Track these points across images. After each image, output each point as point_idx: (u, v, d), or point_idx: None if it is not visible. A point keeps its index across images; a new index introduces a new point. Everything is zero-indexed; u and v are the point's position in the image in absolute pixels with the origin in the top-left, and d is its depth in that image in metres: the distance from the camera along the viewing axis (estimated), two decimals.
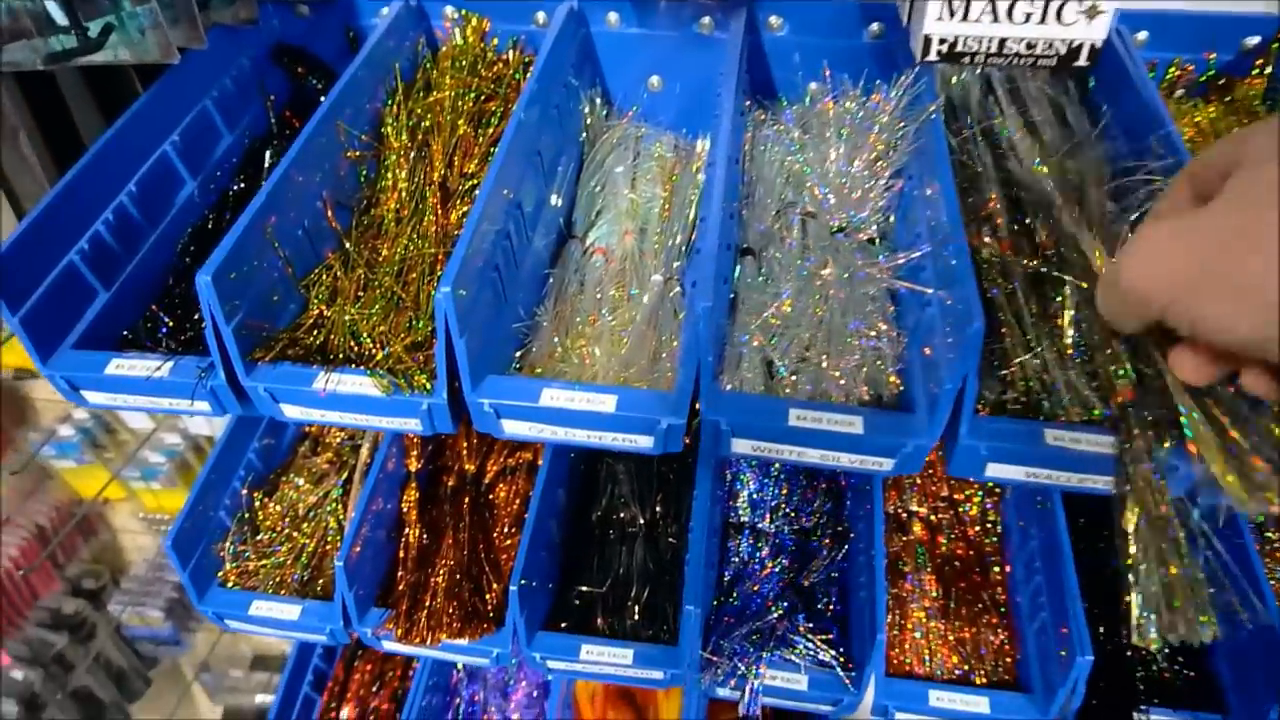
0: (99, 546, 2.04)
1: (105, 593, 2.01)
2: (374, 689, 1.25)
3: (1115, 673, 0.87)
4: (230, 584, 0.98)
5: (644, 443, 0.68)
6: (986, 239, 0.74)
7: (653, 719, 1.33)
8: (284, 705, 1.22)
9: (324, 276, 0.78)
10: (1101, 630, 0.88)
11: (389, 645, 0.94)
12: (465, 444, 1.04)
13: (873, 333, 0.72)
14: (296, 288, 0.77)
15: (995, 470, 0.64)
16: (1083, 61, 0.62)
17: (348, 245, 0.80)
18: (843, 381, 0.69)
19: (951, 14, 0.60)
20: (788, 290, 0.74)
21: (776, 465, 1.04)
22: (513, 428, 0.69)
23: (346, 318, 0.74)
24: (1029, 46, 0.61)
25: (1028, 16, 0.60)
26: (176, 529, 0.92)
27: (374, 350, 0.72)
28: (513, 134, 0.75)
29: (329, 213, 0.81)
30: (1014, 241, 0.73)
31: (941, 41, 0.62)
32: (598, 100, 0.99)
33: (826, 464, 0.67)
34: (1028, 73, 0.79)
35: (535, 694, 1.25)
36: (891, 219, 0.82)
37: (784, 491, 1.03)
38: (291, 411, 0.72)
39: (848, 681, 0.88)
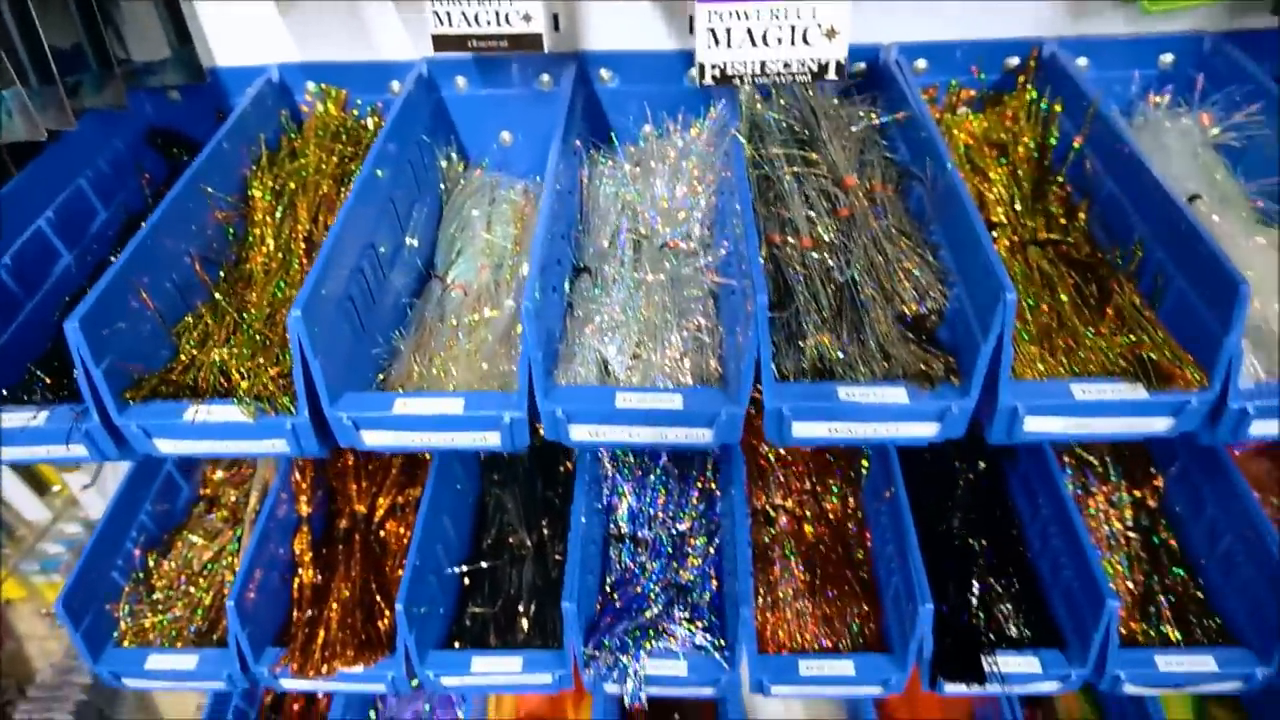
0: (4, 657, 1.97)
1: (11, 707, 1.93)
2: None
3: (966, 626, 0.95)
4: (126, 643, 1.00)
5: (493, 440, 0.75)
6: (791, 239, 0.84)
7: None
8: None
9: (195, 324, 0.84)
10: (950, 587, 0.97)
11: (287, 684, 0.97)
12: (355, 486, 1.09)
13: (694, 326, 0.81)
14: (168, 336, 0.83)
15: (801, 430, 0.73)
16: (832, 76, 0.73)
17: (216, 295, 0.86)
18: (669, 371, 0.78)
19: (717, 42, 0.71)
20: (618, 296, 0.82)
21: (652, 476, 1.11)
22: (372, 438, 0.75)
23: (215, 358, 0.80)
24: (786, 65, 0.72)
25: (779, 40, 0.71)
26: (68, 589, 0.94)
27: (241, 382, 0.77)
28: (360, 186, 0.84)
29: (197, 266, 0.87)
30: (815, 238, 0.84)
31: (714, 66, 0.73)
32: (454, 155, 1.08)
33: (657, 442, 0.75)
34: (815, 90, 0.91)
35: None
36: (711, 232, 0.92)
37: (661, 500, 1.10)
38: (165, 446, 0.77)
39: (723, 661, 0.94)
